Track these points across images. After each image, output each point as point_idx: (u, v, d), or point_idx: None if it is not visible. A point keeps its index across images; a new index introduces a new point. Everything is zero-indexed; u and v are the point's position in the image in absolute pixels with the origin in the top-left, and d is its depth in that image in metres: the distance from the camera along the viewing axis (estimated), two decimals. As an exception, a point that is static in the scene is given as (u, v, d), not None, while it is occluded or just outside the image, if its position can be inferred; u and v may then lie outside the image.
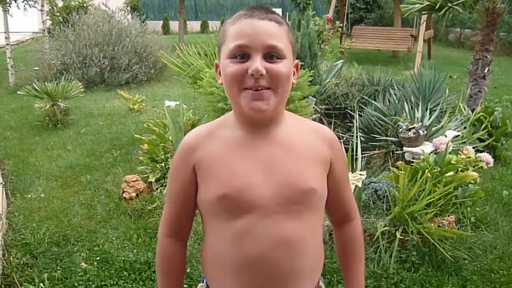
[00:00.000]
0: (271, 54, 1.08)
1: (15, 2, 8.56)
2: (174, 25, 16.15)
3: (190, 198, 1.19)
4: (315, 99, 4.52)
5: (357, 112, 4.18)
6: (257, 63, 1.05)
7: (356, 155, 3.29)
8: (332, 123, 4.09)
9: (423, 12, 6.85)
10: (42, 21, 10.21)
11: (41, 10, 9.86)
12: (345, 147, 3.18)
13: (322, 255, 1.25)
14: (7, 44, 8.24)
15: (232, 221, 1.11)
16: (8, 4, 8.31)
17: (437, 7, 5.44)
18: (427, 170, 3.00)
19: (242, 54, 1.08)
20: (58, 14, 11.83)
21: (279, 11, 17.60)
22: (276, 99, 1.09)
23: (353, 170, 2.89)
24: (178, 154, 1.20)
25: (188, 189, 1.18)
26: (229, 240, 1.13)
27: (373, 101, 4.66)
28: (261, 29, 1.08)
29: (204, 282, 1.28)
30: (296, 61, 1.18)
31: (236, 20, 1.12)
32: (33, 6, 9.21)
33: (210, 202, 1.13)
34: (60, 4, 12.14)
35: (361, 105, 4.77)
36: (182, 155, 1.18)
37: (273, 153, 1.13)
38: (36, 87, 5.71)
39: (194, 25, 18.02)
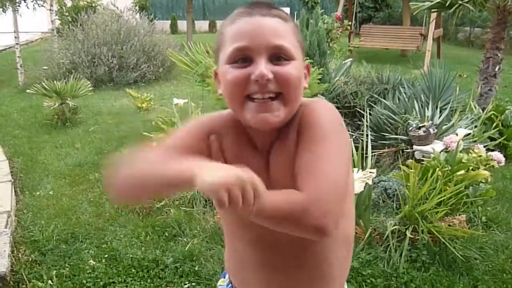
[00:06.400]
0: (278, 56, 0.94)
1: (25, 1, 8.60)
2: (182, 24, 16.14)
3: None
4: (324, 97, 4.49)
5: (367, 110, 4.15)
6: (262, 67, 0.92)
7: (366, 153, 3.26)
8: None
9: (432, 10, 6.81)
10: (51, 21, 10.26)
11: (50, 10, 9.91)
12: (355, 146, 3.17)
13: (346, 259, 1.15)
14: (17, 44, 8.28)
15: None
16: (17, 4, 8.35)
17: (447, 4, 5.39)
18: (437, 169, 2.96)
19: (243, 57, 0.94)
20: (67, 13, 11.88)
21: (287, 10, 17.57)
22: (286, 109, 0.96)
23: (363, 168, 2.87)
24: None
25: None
26: (246, 240, 1.09)
27: (382, 100, 4.63)
28: (264, 27, 0.94)
29: (226, 277, 1.25)
30: (306, 62, 1.05)
31: (234, 19, 0.98)
32: (42, 6, 9.25)
33: None
34: (69, 3, 12.19)
35: (371, 104, 4.74)
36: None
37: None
38: (45, 86, 5.73)
39: (202, 25, 18.02)
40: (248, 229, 1.05)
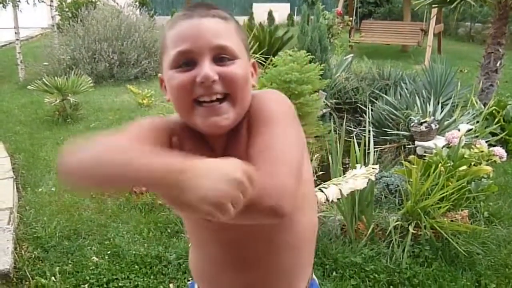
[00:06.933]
0: (221, 56, 0.93)
1: (25, -3, 8.59)
2: (182, 20, 16.11)
3: None
4: (325, 93, 4.49)
5: (369, 106, 4.15)
6: (206, 69, 0.90)
7: (368, 149, 3.26)
8: (345, 117, 4.08)
9: (433, 5, 6.80)
10: (51, 17, 10.23)
11: (50, 6, 9.87)
12: (357, 142, 3.17)
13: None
14: (17, 40, 8.26)
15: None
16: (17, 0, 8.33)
17: (448, -1, 5.39)
18: (440, 164, 2.96)
19: (186, 61, 0.93)
20: (67, 9, 11.84)
21: (287, 6, 17.54)
22: (236, 110, 0.94)
23: (365, 164, 2.86)
24: None
25: None
26: (215, 242, 1.07)
27: (384, 95, 4.63)
28: (205, 28, 0.93)
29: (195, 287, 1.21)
30: (252, 60, 1.03)
31: (173, 23, 0.97)
32: (42, 1, 9.24)
33: None
34: (69, -1, 12.17)
35: (372, 99, 4.74)
36: None
37: None
38: (46, 82, 5.72)
39: (202, 21, 17.98)
40: (213, 230, 1.04)
